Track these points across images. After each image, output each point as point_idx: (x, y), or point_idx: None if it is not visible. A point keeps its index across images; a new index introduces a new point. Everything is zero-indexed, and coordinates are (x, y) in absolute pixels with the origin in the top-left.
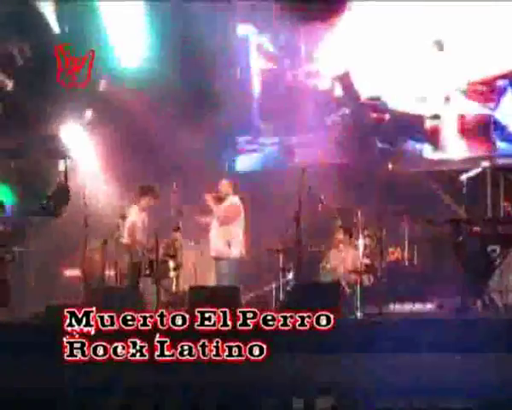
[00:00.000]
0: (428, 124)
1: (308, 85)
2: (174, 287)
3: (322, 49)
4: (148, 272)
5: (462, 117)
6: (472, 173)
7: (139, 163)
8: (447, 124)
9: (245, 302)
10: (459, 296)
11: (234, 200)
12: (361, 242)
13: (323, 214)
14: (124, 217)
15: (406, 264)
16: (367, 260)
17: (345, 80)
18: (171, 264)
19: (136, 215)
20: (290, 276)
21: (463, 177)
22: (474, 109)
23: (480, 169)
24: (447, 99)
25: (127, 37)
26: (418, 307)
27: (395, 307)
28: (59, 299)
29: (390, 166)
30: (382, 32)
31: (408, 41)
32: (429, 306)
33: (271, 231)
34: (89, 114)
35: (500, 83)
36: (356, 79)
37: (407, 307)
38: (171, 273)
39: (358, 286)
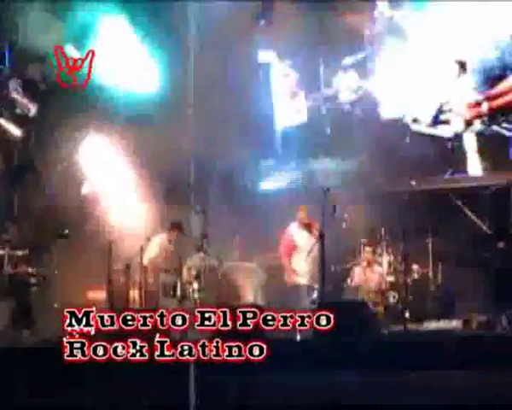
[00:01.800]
0: (450, 145)
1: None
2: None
3: (342, 72)
4: (172, 293)
5: (480, 137)
6: (496, 189)
7: (164, 184)
8: (468, 144)
9: None
10: (485, 313)
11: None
12: (385, 259)
13: (348, 233)
14: (148, 239)
15: (431, 281)
16: (391, 278)
17: (365, 104)
18: (196, 285)
19: (162, 245)
20: (315, 295)
21: (487, 192)
22: (493, 129)
23: (503, 184)
24: (469, 122)
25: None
26: (443, 324)
27: (420, 325)
28: None
29: (413, 182)
30: (404, 53)
31: (430, 62)
32: (455, 323)
33: None
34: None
35: None
36: (376, 101)
37: (432, 324)
38: (196, 295)
39: (383, 304)
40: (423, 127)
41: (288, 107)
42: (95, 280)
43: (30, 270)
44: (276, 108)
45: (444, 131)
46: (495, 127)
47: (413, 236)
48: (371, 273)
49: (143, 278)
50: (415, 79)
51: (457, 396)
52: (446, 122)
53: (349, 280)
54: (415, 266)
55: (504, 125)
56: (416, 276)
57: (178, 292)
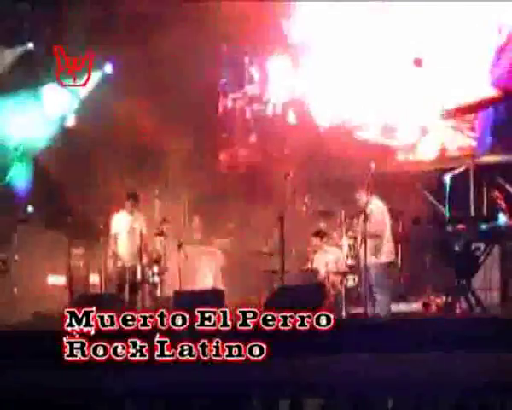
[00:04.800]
0: (402, 156)
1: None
2: (159, 292)
3: (271, 69)
4: (131, 277)
5: (443, 149)
6: (455, 172)
7: (124, 167)
8: (425, 156)
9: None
10: (444, 295)
11: (378, 202)
12: (345, 242)
13: (308, 216)
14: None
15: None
16: (351, 261)
17: (298, 106)
18: (155, 269)
19: (123, 218)
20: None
21: (447, 176)
22: (456, 140)
23: (462, 168)
24: (424, 130)
25: None
26: (403, 306)
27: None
28: (44, 307)
29: (373, 165)
30: (345, 55)
31: (378, 63)
32: (414, 305)
33: (257, 233)
34: (72, 118)
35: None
36: (313, 105)
37: (392, 307)
38: (156, 278)
39: (343, 287)
40: (371, 135)
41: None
42: (56, 265)
43: None
44: None
45: (395, 141)
46: (459, 136)
47: None
48: (330, 257)
49: (103, 263)
50: (360, 79)
51: (417, 379)
52: (397, 130)
53: (309, 263)
54: None
55: (468, 132)
56: None
57: (138, 276)
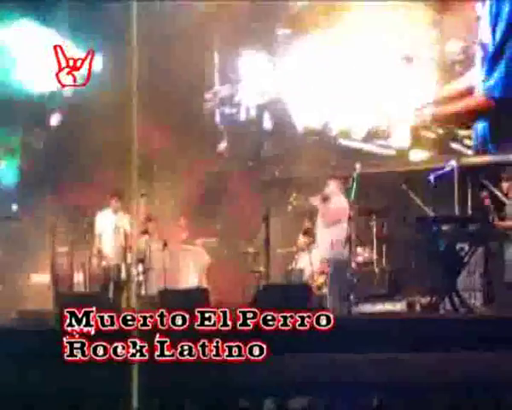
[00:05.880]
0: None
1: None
2: (143, 291)
3: (245, 67)
4: (116, 276)
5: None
6: (440, 172)
7: (109, 165)
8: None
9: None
10: (428, 296)
11: (340, 200)
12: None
13: (293, 215)
14: (91, 223)
15: (375, 263)
16: None
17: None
18: (140, 268)
19: (106, 218)
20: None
21: (432, 176)
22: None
23: (447, 168)
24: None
25: None
26: (388, 306)
27: (364, 308)
28: (28, 305)
29: (357, 166)
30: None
31: (365, 59)
32: (399, 305)
33: (242, 232)
34: (56, 118)
35: None
36: (291, 106)
37: (377, 306)
38: (140, 277)
39: (328, 287)
40: (355, 142)
41: None
42: (39, 262)
43: None
44: None
45: (384, 148)
46: (454, 145)
47: (357, 219)
48: (314, 256)
49: (88, 261)
50: (346, 79)
51: (403, 378)
52: (386, 136)
53: (293, 263)
54: (359, 249)
55: (467, 142)
56: (360, 259)
57: (123, 275)
